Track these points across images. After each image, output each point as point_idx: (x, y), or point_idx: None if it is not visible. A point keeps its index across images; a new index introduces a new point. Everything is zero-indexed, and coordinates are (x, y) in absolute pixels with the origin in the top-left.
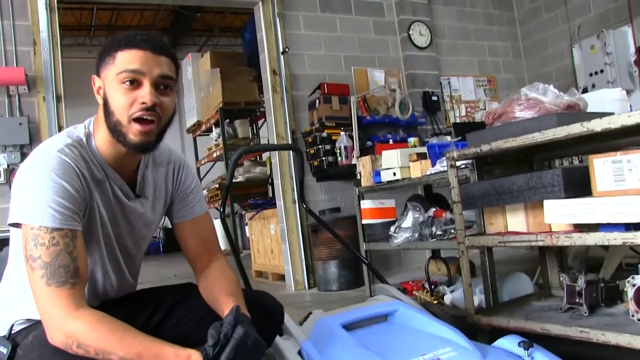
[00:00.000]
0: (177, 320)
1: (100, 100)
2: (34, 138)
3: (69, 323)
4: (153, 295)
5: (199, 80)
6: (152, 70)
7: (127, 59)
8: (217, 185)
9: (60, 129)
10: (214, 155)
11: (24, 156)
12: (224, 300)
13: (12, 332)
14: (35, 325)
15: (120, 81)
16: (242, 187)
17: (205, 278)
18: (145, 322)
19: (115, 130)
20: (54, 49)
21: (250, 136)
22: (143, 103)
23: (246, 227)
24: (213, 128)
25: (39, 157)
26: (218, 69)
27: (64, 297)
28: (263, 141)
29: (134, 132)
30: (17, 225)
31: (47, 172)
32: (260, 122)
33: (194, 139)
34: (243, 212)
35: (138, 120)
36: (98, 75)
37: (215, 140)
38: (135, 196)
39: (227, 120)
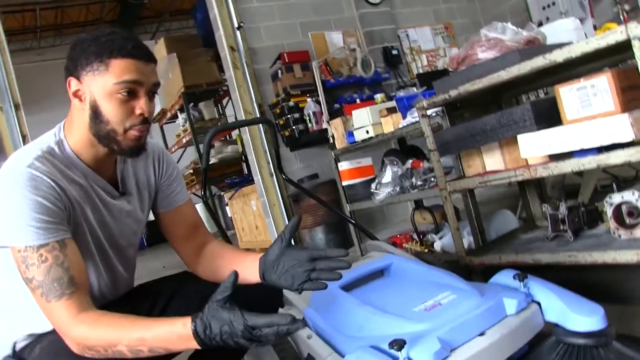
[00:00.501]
0: (175, 312)
1: (80, 105)
2: None
3: (74, 330)
4: (148, 291)
5: (157, 68)
6: (148, 81)
7: (124, 69)
8: (191, 171)
9: (24, 138)
10: (184, 141)
11: None
12: (244, 256)
13: (16, 350)
14: (39, 339)
15: (117, 91)
16: (217, 169)
17: (205, 256)
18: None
19: (106, 137)
20: (3, 55)
21: (217, 116)
22: (141, 114)
23: (227, 208)
24: (178, 114)
25: (8, 175)
26: (174, 54)
27: (64, 308)
28: (230, 119)
29: (130, 139)
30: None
31: (20, 191)
32: (224, 101)
33: (161, 128)
34: (222, 193)
35: (133, 128)
36: (78, 78)
37: (183, 126)
38: (120, 194)
39: (192, 104)
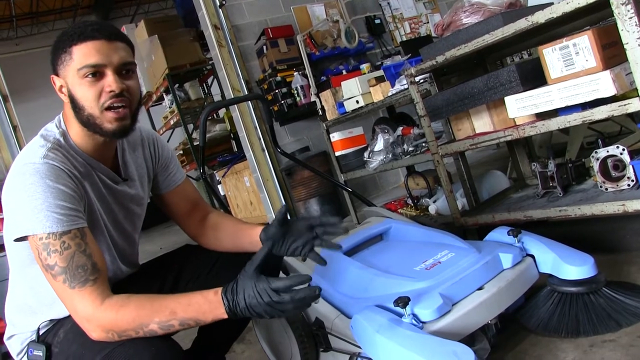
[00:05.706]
0: (186, 283)
1: (65, 99)
2: None
3: (101, 317)
4: (156, 267)
5: (139, 51)
6: (112, 59)
7: (84, 53)
8: (181, 152)
9: (14, 128)
10: (171, 122)
11: None
12: (241, 227)
13: (40, 334)
14: (60, 323)
15: (82, 76)
16: (207, 148)
17: (207, 228)
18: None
19: (89, 123)
20: None
21: (203, 96)
22: (111, 91)
23: (219, 186)
24: (164, 96)
25: (25, 167)
26: (156, 36)
27: (88, 295)
28: (216, 98)
29: (109, 120)
30: (22, 239)
31: (40, 180)
32: (209, 80)
33: (148, 111)
34: (214, 172)
35: (110, 108)
36: (57, 74)
37: (169, 108)
38: (122, 180)
39: (177, 85)
